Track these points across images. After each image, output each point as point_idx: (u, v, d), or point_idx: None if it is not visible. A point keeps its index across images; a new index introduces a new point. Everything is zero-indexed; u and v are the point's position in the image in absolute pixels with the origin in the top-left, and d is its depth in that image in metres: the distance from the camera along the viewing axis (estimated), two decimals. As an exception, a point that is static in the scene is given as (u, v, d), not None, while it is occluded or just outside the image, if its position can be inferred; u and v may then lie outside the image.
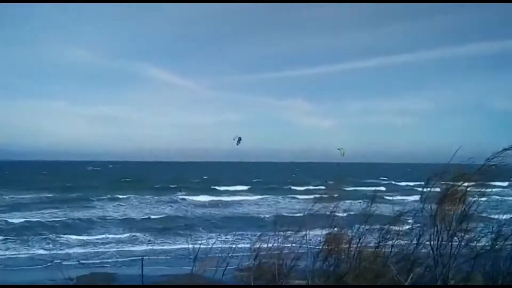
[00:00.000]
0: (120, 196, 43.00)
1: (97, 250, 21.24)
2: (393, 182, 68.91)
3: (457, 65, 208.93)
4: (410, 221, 5.12)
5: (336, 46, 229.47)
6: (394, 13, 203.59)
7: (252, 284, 4.97)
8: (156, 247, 21.35)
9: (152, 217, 31.29)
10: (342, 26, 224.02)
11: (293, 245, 5.32)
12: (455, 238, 4.43)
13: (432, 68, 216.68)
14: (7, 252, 20.05)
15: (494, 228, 4.95)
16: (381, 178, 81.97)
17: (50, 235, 23.66)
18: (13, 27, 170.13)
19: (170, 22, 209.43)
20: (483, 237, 4.86)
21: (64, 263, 17.21)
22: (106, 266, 17.48)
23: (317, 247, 5.12)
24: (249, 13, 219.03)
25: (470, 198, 4.82)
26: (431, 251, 4.36)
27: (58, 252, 20.43)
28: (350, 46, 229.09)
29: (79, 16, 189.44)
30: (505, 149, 4.49)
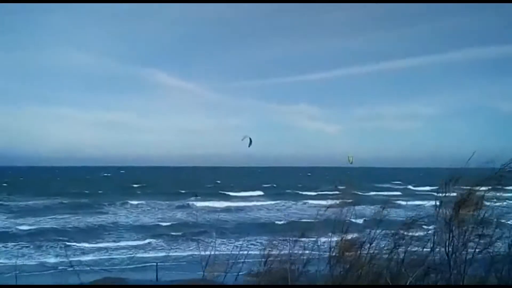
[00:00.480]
0: (133, 202, 43.28)
1: (109, 256, 21.35)
2: (409, 187, 68.08)
3: (463, 69, 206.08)
4: (425, 226, 5.02)
5: (340, 51, 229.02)
6: (398, 17, 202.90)
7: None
8: (170, 253, 21.38)
9: (163, 224, 31.31)
10: (346, 31, 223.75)
11: (305, 251, 5.29)
12: (471, 243, 4.34)
13: (437, 72, 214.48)
14: (20, 258, 20.29)
15: (511, 233, 4.84)
16: (394, 182, 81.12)
17: (64, 241, 23.92)
18: (19, 32, 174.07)
19: (174, 25, 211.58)
20: (498, 242, 4.76)
21: (76, 268, 17.39)
22: (117, 271, 17.57)
23: (328, 253, 5.06)
24: (253, 17, 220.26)
25: (487, 203, 4.74)
26: (445, 257, 4.27)
27: (72, 259, 20.61)
28: (354, 51, 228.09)
29: (83, 20, 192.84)
30: None
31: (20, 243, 23.42)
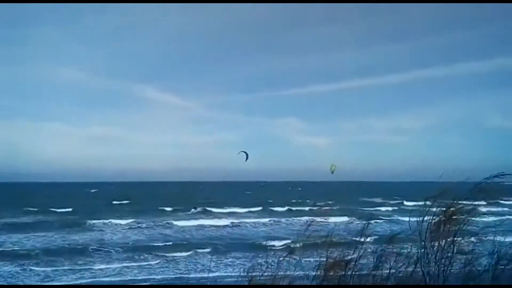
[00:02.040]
0: (119, 222, 42.20)
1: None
2: (394, 201, 68.43)
3: (450, 83, 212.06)
4: (408, 244, 5.01)
5: (328, 65, 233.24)
6: (386, 33, 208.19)
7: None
8: (154, 276, 20.83)
9: (155, 244, 30.44)
10: (335, 46, 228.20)
11: (288, 272, 5.21)
12: (453, 259, 4.34)
13: (425, 86, 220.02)
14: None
15: (495, 249, 4.86)
16: (382, 197, 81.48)
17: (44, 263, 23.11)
18: (7, 47, 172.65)
19: (165, 41, 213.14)
20: (482, 258, 4.77)
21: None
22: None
23: (312, 272, 4.99)
24: (243, 33, 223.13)
25: (469, 218, 4.77)
26: (427, 274, 4.26)
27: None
28: (343, 66, 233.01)
29: (74, 36, 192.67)
30: (494, 176, 4.49)
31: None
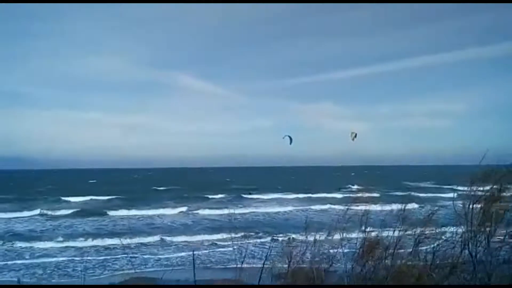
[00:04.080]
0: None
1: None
2: (437, 186, 65.85)
3: (489, 65, 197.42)
4: (452, 228, 4.92)
5: (364, 49, 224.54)
6: (422, 15, 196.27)
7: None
8: (202, 251, 21.42)
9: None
10: (370, 28, 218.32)
11: (330, 250, 5.31)
12: (495, 241, 4.25)
13: (463, 68, 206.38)
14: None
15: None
16: (424, 181, 78.78)
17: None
18: (46, 39, 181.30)
19: (199, 29, 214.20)
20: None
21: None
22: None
23: (353, 250, 5.07)
24: (275, 18, 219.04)
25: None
26: (469, 255, 4.19)
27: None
28: (378, 49, 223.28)
29: (106, 25, 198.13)
30: None
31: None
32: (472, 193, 4.69)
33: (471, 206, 4.60)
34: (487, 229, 4.47)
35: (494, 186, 4.53)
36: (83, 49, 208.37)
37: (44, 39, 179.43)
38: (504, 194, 4.64)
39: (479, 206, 4.60)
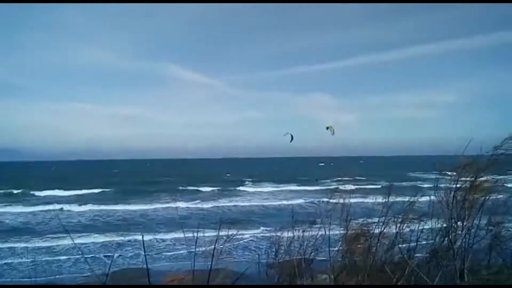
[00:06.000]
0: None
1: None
2: (420, 175, 67.02)
3: (477, 56, 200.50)
4: (431, 216, 5.04)
5: (354, 40, 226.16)
6: (417, 6, 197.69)
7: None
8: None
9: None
10: (360, 20, 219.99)
11: (315, 239, 5.39)
12: (476, 229, 4.38)
13: (452, 59, 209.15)
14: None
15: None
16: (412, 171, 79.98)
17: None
18: (38, 31, 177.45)
19: (190, 21, 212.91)
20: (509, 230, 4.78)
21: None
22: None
23: (336, 240, 5.16)
24: (266, 12, 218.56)
25: (495, 189, 4.77)
26: (448, 243, 4.32)
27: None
28: (368, 40, 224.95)
29: (100, 19, 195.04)
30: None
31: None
32: (453, 182, 4.80)
33: (451, 195, 4.72)
34: (467, 217, 4.61)
35: (472, 176, 4.65)
36: (76, 42, 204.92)
37: (34, 30, 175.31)
38: (486, 184, 4.76)
39: (459, 194, 4.71)
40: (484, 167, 4.46)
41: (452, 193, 4.72)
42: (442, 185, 4.97)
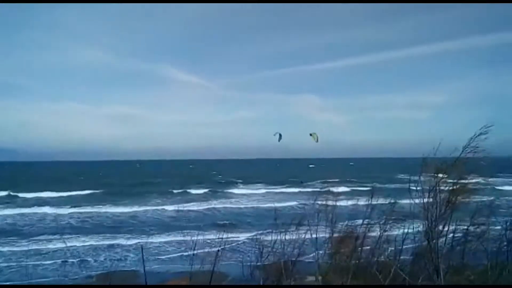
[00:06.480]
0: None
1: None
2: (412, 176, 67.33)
3: (470, 58, 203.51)
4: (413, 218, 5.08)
5: (347, 41, 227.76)
6: (407, 7, 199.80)
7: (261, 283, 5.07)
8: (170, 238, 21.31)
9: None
10: (355, 22, 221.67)
11: (303, 241, 5.39)
12: (455, 230, 4.43)
13: (444, 61, 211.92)
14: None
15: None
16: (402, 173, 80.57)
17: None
18: (35, 31, 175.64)
19: (184, 22, 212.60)
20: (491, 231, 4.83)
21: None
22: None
23: (323, 242, 5.17)
24: (259, 13, 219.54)
25: (480, 191, 4.81)
26: (429, 244, 4.36)
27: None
28: (361, 41, 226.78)
29: (96, 19, 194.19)
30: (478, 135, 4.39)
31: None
32: (432, 184, 4.82)
33: (434, 197, 4.74)
34: (449, 218, 4.65)
35: (455, 178, 4.68)
36: (75, 42, 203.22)
37: (37, 32, 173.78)
38: (469, 186, 4.80)
39: (441, 196, 4.74)
40: (445, 168, 4.49)
41: (433, 194, 4.74)
42: (426, 187, 5.00)
